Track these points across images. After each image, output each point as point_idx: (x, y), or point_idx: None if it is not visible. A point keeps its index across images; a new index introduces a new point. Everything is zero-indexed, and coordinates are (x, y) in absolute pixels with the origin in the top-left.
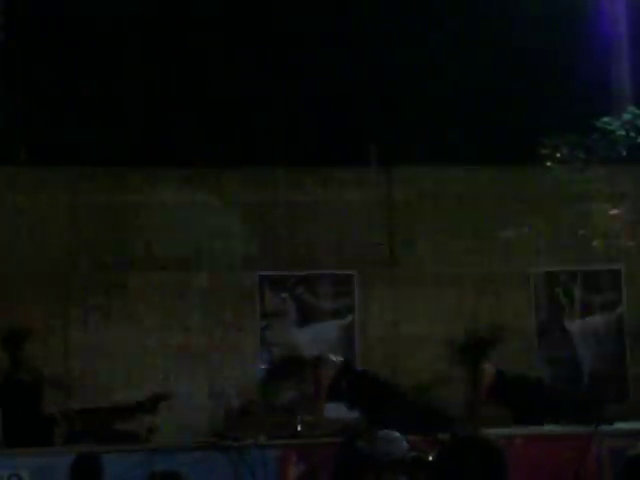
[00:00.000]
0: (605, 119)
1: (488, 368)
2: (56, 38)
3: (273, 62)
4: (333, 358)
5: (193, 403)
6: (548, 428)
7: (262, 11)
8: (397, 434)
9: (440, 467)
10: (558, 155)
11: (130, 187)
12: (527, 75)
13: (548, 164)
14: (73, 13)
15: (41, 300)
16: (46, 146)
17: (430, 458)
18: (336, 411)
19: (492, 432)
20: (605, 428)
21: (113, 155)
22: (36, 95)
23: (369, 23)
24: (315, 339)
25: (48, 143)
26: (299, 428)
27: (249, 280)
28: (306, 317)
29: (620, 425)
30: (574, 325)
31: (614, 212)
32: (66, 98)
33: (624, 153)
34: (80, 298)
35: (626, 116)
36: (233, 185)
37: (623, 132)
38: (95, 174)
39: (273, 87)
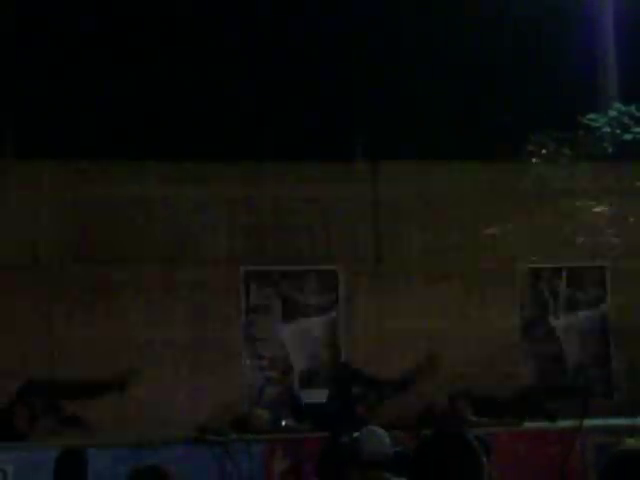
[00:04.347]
0: (591, 116)
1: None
2: (41, 32)
3: (260, 57)
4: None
5: (178, 398)
6: (533, 425)
7: (250, 6)
8: (381, 430)
9: (416, 462)
10: (544, 151)
11: (115, 181)
12: (513, 72)
13: (534, 160)
14: (58, 8)
15: (25, 295)
16: (32, 140)
17: None
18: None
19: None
20: (590, 424)
21: (99, 149)
22: (22, 89)
23: (357, 20)
24: (300, 335)
25: (34, 137)
26: (284, 423)
27: (234, 275)
28: (291, 313)
29: (605, 421)
30: (559, 322)
31: (599, 209)
32: (52, 92)
33: (610, 150)
34: (65, 293)
35: (612, 113)
36: (219, 179)
37: (609, 129)
38: (80, 168)
39: (260, 82)
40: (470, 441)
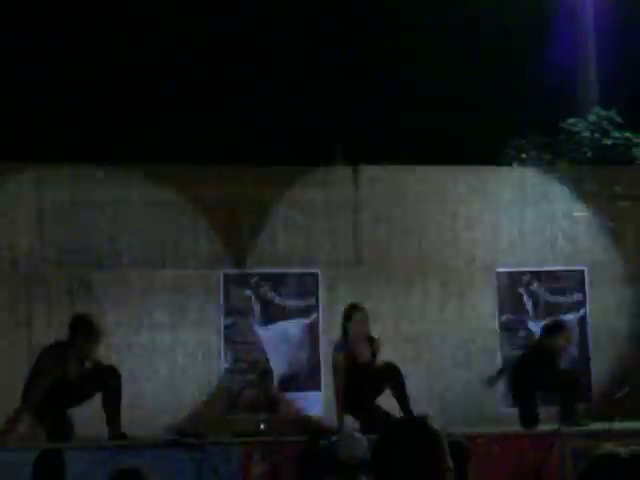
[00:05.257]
0: (571, 120)
1: None
2: (25, 38)
3: (243, 62)
4: None
5: (157, 400)
6: (510, 428)
7: (236, 12)
8: (359, 434)
9: (376, 452)
10: (524, 155)
11: (96, 184)
12: (494, 77)
13: (514, 164)
14: (42, 13)
15: (4, 297)
16: (12, 142)
17: None
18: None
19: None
20: (568, 428)
21: (79, 152)
22: (3, 93)
23: (338, 25)
24: (279, 338)
25: (14, 139)
26: (262, 427)
27: (214, 278)
28: (270, 316)
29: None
30: (538, 326)
31: (579, 213)
32: (34, 95)
33: (589, 154)
34: (44, 295)
35: (591, 117)
36: (199, 183)
37: (588, 133)
38: (61, 171)
39: (241, 87)
40: (424, 425)
